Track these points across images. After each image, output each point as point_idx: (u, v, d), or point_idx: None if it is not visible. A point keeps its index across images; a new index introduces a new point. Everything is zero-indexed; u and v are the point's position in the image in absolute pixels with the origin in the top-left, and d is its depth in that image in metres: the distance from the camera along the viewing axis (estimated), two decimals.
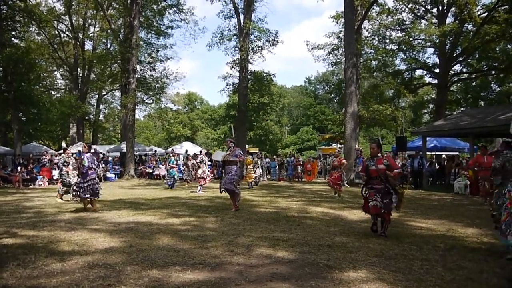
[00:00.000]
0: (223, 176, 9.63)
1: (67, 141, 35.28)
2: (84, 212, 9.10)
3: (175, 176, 17.49)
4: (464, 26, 25.21)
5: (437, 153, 24.28)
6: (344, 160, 13.92)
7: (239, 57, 25.00)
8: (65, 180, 11.76)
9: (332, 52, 29.79)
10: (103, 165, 23.10)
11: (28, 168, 19.83)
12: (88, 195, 9.18)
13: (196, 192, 14.44)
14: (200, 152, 16.18)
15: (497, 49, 26.76)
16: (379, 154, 6.53)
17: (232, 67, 26.12)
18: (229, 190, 9.37)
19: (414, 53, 28.62)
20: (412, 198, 12.92)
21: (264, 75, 26.61)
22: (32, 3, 26.22)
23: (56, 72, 39.13)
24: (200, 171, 15.27)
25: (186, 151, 28.48)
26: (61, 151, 12.53)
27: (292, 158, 24.43)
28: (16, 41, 26.29)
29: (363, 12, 25.45)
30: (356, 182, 18.52)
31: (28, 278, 4.09)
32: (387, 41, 28.55)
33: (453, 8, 25.60)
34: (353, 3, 21.45)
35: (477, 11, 24.06)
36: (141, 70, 27.41)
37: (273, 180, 22.83)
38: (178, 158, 19.62)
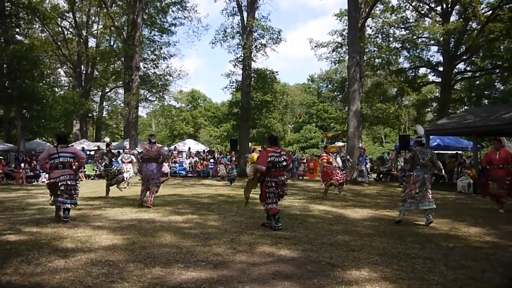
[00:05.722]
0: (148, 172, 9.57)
1: (71, 138, 35.41)
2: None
3: (235, 172, 18.28)
4: (468, 24, 25.08)
5: (440, 151, 24.21)
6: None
7: (242, 55, 24.95)
8: (112, 173, 11.97)
9: (336, 50, 29.73)
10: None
11: (32, 165, 19.92)
12: None
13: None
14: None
15: (502, 47, 26.60)
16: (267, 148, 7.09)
17: (235, 64, 26.09)
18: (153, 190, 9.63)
19: (417, 51, 28.51)
20: None
21: (267, 73, 26.55)
22: (36, 0, 26.26)
23: (59, 69, 39.32)
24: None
25: (189, 148, 28.57)
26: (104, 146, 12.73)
27: (296, 156, 24.43)
28: (20, 38, 26.42)
29: (367, 10, 25.38)
30: (359, 180, 18.51)
31: (32, 275, 4.10)
32: (391, 39, 28.47)
33: (458, 6, 25.46)
34: (357, 1, 21.37)
35: (482, 9, 23.95)
36: (144, 67, 27.46)
37: None
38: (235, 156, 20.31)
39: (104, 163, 12.27)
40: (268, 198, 6.76)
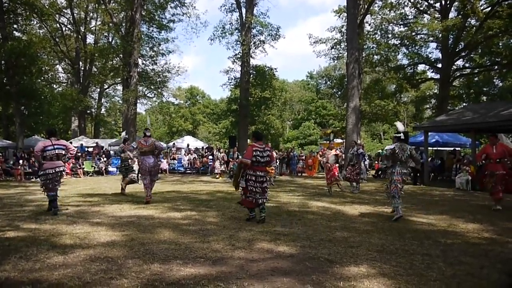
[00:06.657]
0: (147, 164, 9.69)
1: (69, 135, 35.35)
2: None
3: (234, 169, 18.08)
4: (467, 21, 25.02)
5: (439, 148, 24.23)
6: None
7: (240, 52, 24.91)
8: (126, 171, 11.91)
9: (334, 47, 29.68)
10: (105, 159, 23.15)
11: (30, 162, 19.88)
12: None
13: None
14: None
15: (500, 44, 26.54)
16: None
17: (234, 61, 26.07)
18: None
19: (416, 48, 28.44)
20: (413, 193, 12.92)
21: (266, 69, 26.54)
22: None
23: (57, 66, 39.05)
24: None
25: (188, 145, 28.55)
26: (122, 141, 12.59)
27: (295, 152, 24.47)
28: (17, 34, 26.24)
29: (366, 6, 25.31)
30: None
31: (30, 271, 4.11)
32: (390, 35, 28.36)
33: (456, 3, 25.41)
34: None
35: (481, 6, 23.87)
36: (142, 64, 27.43)
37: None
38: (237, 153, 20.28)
39: (122, 158, 12.24)
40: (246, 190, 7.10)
